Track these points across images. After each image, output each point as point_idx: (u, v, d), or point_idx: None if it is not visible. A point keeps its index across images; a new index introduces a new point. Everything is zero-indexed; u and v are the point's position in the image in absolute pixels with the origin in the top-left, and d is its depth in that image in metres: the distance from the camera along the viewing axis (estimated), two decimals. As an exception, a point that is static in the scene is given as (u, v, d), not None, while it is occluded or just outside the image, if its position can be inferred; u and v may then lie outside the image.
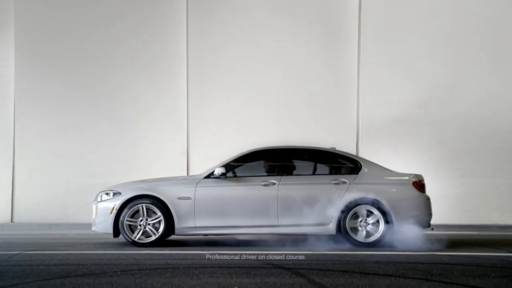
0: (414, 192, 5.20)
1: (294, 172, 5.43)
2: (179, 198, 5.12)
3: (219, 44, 8.94)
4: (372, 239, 5.04)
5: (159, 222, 5.08)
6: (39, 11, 9.02)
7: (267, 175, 5.32)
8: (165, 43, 8.96)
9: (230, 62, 8.94)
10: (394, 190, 5.20)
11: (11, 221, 8.81)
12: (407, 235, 4.95)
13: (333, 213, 5.06)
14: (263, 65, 8.91)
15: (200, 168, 8.61)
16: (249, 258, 4.15)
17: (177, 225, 5.09)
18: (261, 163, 5.55)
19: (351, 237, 5.04)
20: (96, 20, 9.02)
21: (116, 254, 4.41)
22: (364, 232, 5.08)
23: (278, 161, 5.43)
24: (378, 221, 5.06)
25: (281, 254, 4.25)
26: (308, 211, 5.04)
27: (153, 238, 5.06)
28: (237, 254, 4.38)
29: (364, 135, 8.77)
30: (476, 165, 8.65)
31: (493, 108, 8.72)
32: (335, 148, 5.67)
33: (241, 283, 3.02)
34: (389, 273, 3.37)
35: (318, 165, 5.56)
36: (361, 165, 5.38)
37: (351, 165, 5.42)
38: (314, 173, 5.50)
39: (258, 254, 4.34)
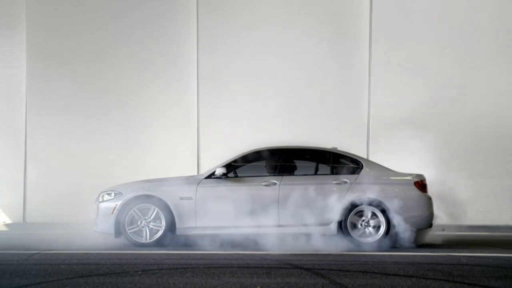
0: (415, 192, 5.18)
1: (295, 172, 5.42)
2: (180, 198, 5.13)
3: (229, 46, 8.95)
4: (373, 239, 5.02)
5: (160, 222, 5.09)
6: (51, 13, 9.07)
7: (268, 175, 5.31)
8: (178, 47, 8.97)
9: (240, 63, 8.95)
10: (396, 190, 5.16)
11: (23, 221, 8.88)
12: (409, 234, 4.94)
13: (334, 213, 5.05)
14: (274, 65, 8.91)
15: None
16: (267, 258, 4.16)
17: (178, 225, 5.09)
18: (262, 163, 5.55)
19: (352, 237, 5.01)
20: (109, 24, 9.06)
21: (135, 254, 4.43)
22: (366, 232, 5.06)
23: (279, 161, 5.42)
24: (379, 221, 5.05)
25: (299, 255, 4.26)
26: (309, 211, 5.02)
27: (154, 238, 5.07)
28: (255, 254, 4.40)
29: (375, 135, 8.75)
30: (487, 166, 8.61)
31: (505, 109, 8.67)
32: (336, 148, 5.66)
33: (263, 283, 3.02)
34: (410, 274, 3.36)
35: (319, 165, 5.55)
36: (362, 165, 5.36)
37: (353, 165, 5.41)
38: (315, 173, 5.48)
39: (276, 255, 4.35)
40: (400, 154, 8.07)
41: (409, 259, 4.10)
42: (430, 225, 5.25)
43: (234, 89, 8.94)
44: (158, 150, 8.87)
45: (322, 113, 8.86)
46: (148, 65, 8.99)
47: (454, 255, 4.40)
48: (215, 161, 8.24)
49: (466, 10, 8.79)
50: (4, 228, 8.49)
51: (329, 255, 4.43)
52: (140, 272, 3.40)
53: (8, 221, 8.77)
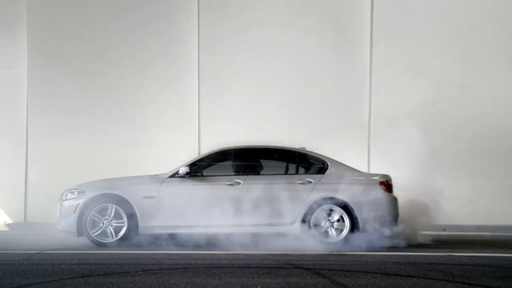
0: (380, 192, 5.16)
1: (261, 172, 5.40)
2: (143, 197, 5.12)
3: (229, 46, 8.94)
4: (337, 238, 5.01)
5: (123, 221, 5.08)
6: (51, 13, 9.07)
7: (233, 175, 5.31)
8: (178, 46, 8.97)
9: (240, 63, 8.94)
10: (360, 190, 5.14)
11: (24, 220, 8.87)
12: (373, 234, 4.95)
13: (298, 212, 5.04)
14: (274, 65, 8.90)
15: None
16: (268, 258, 4.16)
17: (140, 224, 5.08)
18: (228, 162, 5.53)
19: (315, 236, 5.00)
20: (109, 24, 9.06)
21: (135, 254, 4.43)
22: (330, 232, 5.06)
23: (244, 161, 5.42)
24: (343, 221, 5.04)
25: (299, 255, 4.26)
26: (273, 210, 5.01)
27: (116, 237, 5.06)
28: (256, 254, 4.40)
29: (376, 135, 8.74)
30: (488, 166, 8.60)
31: (505, 109, 8.66)
32: (305, 148, 5.66)
33: (264, 283, 3.02)
34: (411, 274, 3.36)
35: (285, 164, 5.54)
36: (328, 165, 5.35)
37: (318, 165, 5.42)
38: (280, 173, 5.46)
39: (276, 255, 4.35)
40: (401, 154, 8.09)
41: (409, 259, 4.10)
42: (396, 225, 5.18)
43: (234, 89, 8.94)
44: (158, 150, 8.87)
45: (322, 113, 8.85)
46: (148, 65, 8.98)
47: (455, 255, 4.40)
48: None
49: (466, 10, 8.79)
50: (5, 228, 8.50)
51: (330, 255, 4.42)
52: (141, 272, 3.41)
53: (9, 221, 8.78)
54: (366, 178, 5.38)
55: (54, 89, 9.01)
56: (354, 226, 5.02)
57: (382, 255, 4.42)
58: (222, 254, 4.36)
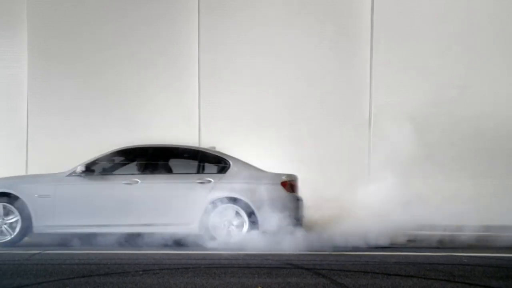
0: (282, 192, 5.13)
1: (160, 171, 5.34)
2: (38, 196, 5.07)
3: (229, 46, 8.93)
4: (236, 238, 4.96)
5: (16, 221, 5.04)
6: (51, 13, 9.07)
7: (132, 174, 5.26)
8: (178, 46, 8.96)
9: (240, 63, 8.93)
10: (261, 189, 5.09)
11: (24, 220, 8.87)
12: (274, 234, 4.88)
13: (196, 212, 5.00)
14: (274, 65, 8.89)
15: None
16: (268, 258, 4.16)
17: (35, 223, 5.04)
18: (128, 161, 5.50)
19: (213, 236, 4.96)
20: (109, 24, 9.06)
21: (135, 254, 4.42)
22: (228, 232, 5.01)
23: (145, 160, 5.38)
24: (242, 221, 5.01)
25: (300, 255, 4.26)
26: (171, 210, 4.97)
27: (8, 237, 5.02)
28: (256, 254, 4.39)
29: (376, 134, 8.74)
30: (489, 166, 8.59)
31: (505, 109, 8.65)
32: (215, 148, 5.64)
33: (264, 283, 3.02)
34: (411, 274, 3.36)
35: (186, 164, 5.50)
36: (230, 165, 5.31)
37: (220, 165, 5.38)
38: (180, 172, 5.40)
39: (276, 255, 4.35)
40: (401, 154, 8.09)
41: (410, 259, 4.10)
42: (300, 225, 5.13)
43: (235, 89, 8.94)
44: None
45: (322, 113, 8.84)
46: (148, 65, 8.98)
47: (455, 255, 4.41)
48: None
49: (466, 10, 8.78)
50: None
51: (330, 255, 4.42)
52: (141, 272, 3.41)
53: (9, 221, 8.77)
54: (267, 178, 5.28)
55: (54, 89, 9.00)
56: (253, 226, 4.96)
57: (383, 255, 4.42)
58: (222, 254, 4.36)
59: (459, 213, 7.94)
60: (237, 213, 5.04)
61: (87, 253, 4.46)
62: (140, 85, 8.95)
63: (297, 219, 5.14)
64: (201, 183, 5.15)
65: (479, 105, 8.64)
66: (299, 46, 8.90)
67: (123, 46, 9.05)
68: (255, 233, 4.94)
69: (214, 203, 5.04)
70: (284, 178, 5.24)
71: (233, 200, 5.04)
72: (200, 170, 5.42)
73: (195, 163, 5.50)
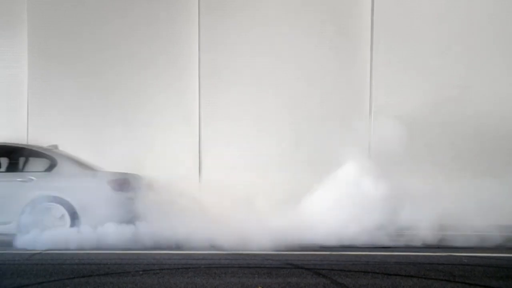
0: (107, 191, 5.10)
1: None
2: None
3: (229, 45, 8.94)
4: (55, 238, 4.83)
5: None
6: (51, 13, 9.07)
7: None
8: (178, 46, 8.97)
9: (241, 63, 8.93)
10: (85, 187, 5.05)
11: (24, 220, 8.87)
12: (94, 232, 4.86)
13: (15, 211, 4.92)
14: (274, 65, 8.90)
15: (212, 168, 8.70)
16: (268, 258, 4.16)
17: None
18: None
19: (31, 236, 4.84)
20: (109, 24, 9.05)
21: (136, 254, 4.43)
22: (49, 231, 4.91)
23: None
24: (63, 219, 4.97)
25: (300, 255, 4.26)
26: None
27: None
28: (256, 254, 4.40)
29: (376, 135, 8.73)
30: (489, 166, 8.58)
31: (506, 109, 8.65)
32: (57, 146, 5.58)
33: (264, 283, 3.02)
34: (411, 274, 3.36)
35: (9, 162, 5.41)
36: (57, 163, 5.24)
37: (47, 163, 5.30)
38: (2, 171, 5.31)
39: (276, 255, 4.35)
40: (401, 154, 8.08)
41: (410, 259, 4.10)
42: (132, 223, 5.05)
43: (235, 89, 8.94)
44: (158, 150, 8.86)
45: (322, 113, 8.84)
46: (148, 65, 8.98)
47: (455, 255, 4.40)
48: (216, 161, 8.34)
49: (466, 10, 8.78)
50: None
51: (330, 255, 4.42)
52: (141, 272, 3.40)
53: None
54: (94, 176, 5.24)
55: (54, 89, 9.00)
56: (75, 225, 4.92)
57: (383, 255, 4.42)
58: (222, 254, 4.36)
59: (459, 213, 7.96)
60: (58, 211, 4.98)
61: (87, 253, 4.46)
62: (140, 85, 8.95)
63: (126, 218, 5.07)
64: (22, 181, 5.08)
65: (479, 105, 8.63)
66: (299, 46, 8.89)
67: (123, 46, 9.04)
68: (74, 231, 4.88)
69: (33, 202, 4.96)
70: (112, 177, 5.20)
71: (54, 199, 4.97)
72: (24, 168, 5.34)
73: (20, 162, 5.40)
